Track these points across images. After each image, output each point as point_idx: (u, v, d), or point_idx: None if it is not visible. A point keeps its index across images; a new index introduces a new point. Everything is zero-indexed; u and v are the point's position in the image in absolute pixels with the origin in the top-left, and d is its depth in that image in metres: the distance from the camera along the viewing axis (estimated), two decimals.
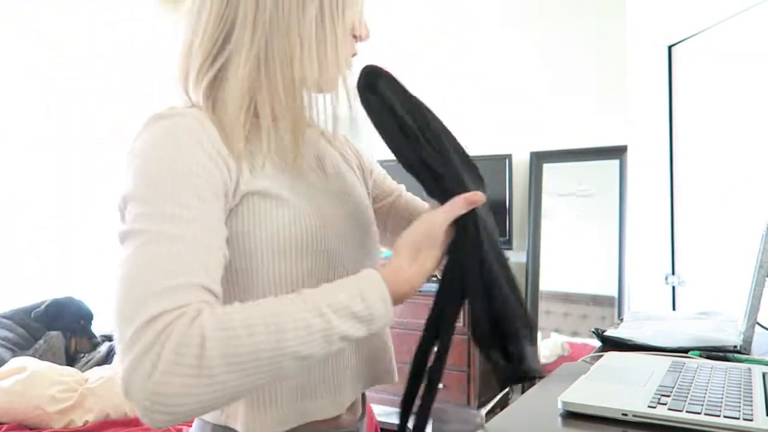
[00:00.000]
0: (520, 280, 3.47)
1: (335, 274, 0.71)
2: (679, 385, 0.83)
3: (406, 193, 0.97)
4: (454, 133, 0.76)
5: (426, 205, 0.90)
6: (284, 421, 0.68)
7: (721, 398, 0.76)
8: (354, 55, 0.74)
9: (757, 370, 0.90)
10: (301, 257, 0.68)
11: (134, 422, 1.89)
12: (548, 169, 3.40)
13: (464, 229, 0.67)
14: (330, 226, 0.71)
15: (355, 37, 0.73)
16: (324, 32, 0.69)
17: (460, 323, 3.17)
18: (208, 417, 0.70)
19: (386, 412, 2.85)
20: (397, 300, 0.64)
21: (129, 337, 0.49)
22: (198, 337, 0.49)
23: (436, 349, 0.69)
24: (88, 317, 2.65)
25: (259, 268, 0.66)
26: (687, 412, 0.72)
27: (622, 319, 1.40)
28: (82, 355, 2.54)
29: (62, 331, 2.53)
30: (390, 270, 0.65)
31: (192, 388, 0.48)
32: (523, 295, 0.87)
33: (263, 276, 0.66)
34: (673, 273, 2.47)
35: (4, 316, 2.51)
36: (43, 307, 2.59)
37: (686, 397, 0.77)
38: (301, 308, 0.56)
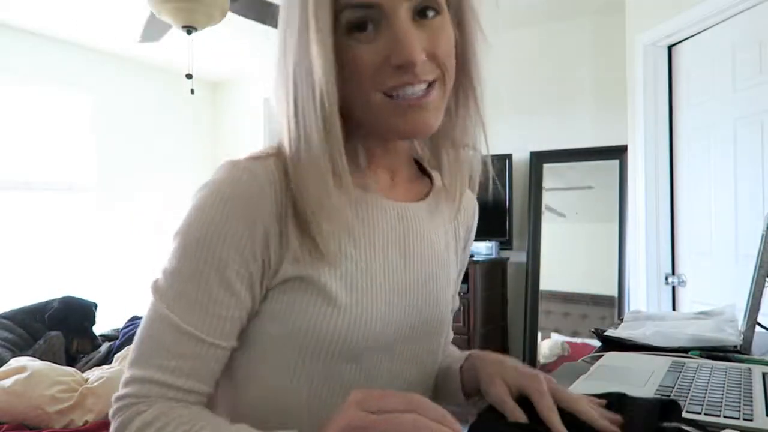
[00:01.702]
0: (520, 280, 3.47)
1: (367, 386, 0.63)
2: (679, 385, 0.83)
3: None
4: None
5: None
6: None
7: (721, 398, 0.76)
8: (406, 84, 0.57)
9: (757, 370, 0.90)
10: (322, 363, 0.60)
11: None
12: (548, 169, 3.40)
13: None
14: (375, 338, 0.62)
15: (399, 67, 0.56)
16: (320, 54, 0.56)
17: (460, 323, 3.15)
18: None
19: None
20: None
21: (115, 394, 0.58)
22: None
23: None
24: (91, 318, 2.66)
25: (272, 355, 0.61)
26: (687, 412, 0.72)
27: (622, 319, 1.40)
28: (82, 355, 2.54)
29: (66, 331, 2.53)
30: None
31: None
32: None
33: (275, 365, 0.61)
34: (673, 273, 2.47)
35: (4, 316, 2.51)
36: (54, 307, 2.59)
37: (686, 397, 0.77)
38: None
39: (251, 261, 0.57)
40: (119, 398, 0.57)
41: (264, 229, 0.57)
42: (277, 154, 0.60)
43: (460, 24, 0.62)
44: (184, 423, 0.54)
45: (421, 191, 0.72)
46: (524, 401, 0.60)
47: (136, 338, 0.59)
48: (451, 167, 0.69)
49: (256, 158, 0.59)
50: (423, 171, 0.75)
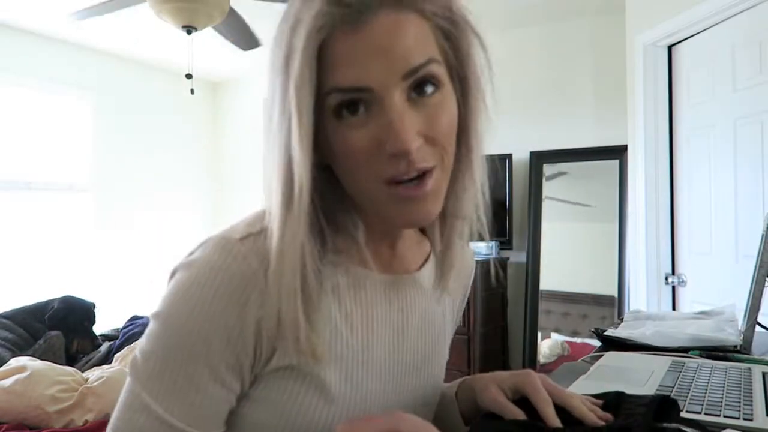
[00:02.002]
0: (520, 280, 3.47)
1: None
2: (679, 384, 0.83)
3: None
4: None
5: None
6: None
7: (721, 398, 0.76)
8: (402, 174, 0.52)
9: (757, 370, 0.90)
10: None
11: None
12: (548, 169, 3.40)
13: None
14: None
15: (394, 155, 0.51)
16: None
17: (460, 323, 3.16)
18: None
19: None
20: None
21: None
22: None
23: None
24: (92, 318, 2.66)
25: None
26: (687, 411, 0.72)
27: (622, 319, 1.40)
28: (82, 355, 2.55)
29: (66, 331, 2.53)
30: None
31: None
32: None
33: None
34: (673, 273, 2.47)
35: (4, 316, 2.51)
36: (54, 307, 2.59)
37: (686, 396, 0.77)
38: None
39: (242, 354, 0.53)
40: None
41: (257, 320, 0.52)
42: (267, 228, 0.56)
43: (464, 95, 0.58)
44: None
45: (421, 257, 0.68)
46: (519, 403, 0.60)
47: (112, 422, 0.54)
48: (443, 242, 0.65)
49: (245, 237, 0.54)
50: (422, 231, 0.71)
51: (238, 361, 0.53)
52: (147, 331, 0.54)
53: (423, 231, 0.71)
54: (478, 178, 0.61)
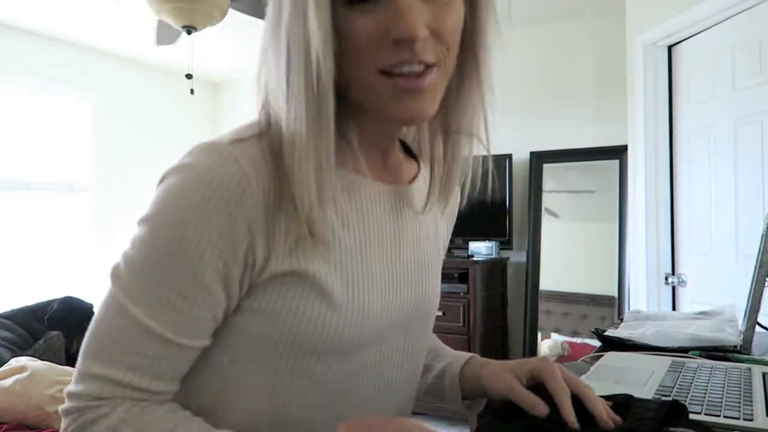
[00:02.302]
0: (520, 280, 3.47)
1: (355, 388, 0.60)
2: (679, 385, 0.83)
3: None
4: None
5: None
6: None
7: (722, 398, 0.76)
8: (403, 62, 0.52)
9: (757, 370, 0.90)
10: (308, 361, 0.56)
11: None
12: (548, 169, 3.40)
13: None
14: (369, 335, 0.59)
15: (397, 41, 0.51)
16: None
17: (460, 323, 3.14)
18: None
19: None
20: None
21: (69, 388, 0.53)
22: None
23: None
24: (92, 318, 2.66)
25: (255, 354, 0.56)
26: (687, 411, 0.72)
27: (622, 319, 1.40)
28: None
29: (67, 331, 2.53)
30: None
31: None
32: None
33: (260, 364, 0.56)
34: (673, 273, 2.47)
35: (5, 316, 2.51)
36: (54, 308, 2.59)
37: (686, 396, 0.77)
38: None
39: (231, 260, 0.52)
40: (75, 396, 0.52)
41: (248, 224, 0.51)
42: (260, 134, 0.55)
43: (474, 4, 0.57)
44: (160, 427, 0.50)
45: (410, 174, 0.68)
46: (531, 390, 0.59)
47: (91, 328, 0.54)
48: (446, 159, 0.64)
49: (236, 141, 0.53)
50: (408, 153, 0.71)
51: (225, 268, 0.52)
52: (132, 237, 0.54)
53: (411, 153, 0.71)
54: (486, 93, 0.61)
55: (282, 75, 0.53)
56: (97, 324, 0.54)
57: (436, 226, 0.71)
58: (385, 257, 0.60)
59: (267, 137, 0.54)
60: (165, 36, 2.64)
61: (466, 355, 0.74)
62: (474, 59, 0.59)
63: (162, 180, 0.54)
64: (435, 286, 0.69)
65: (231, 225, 0.51)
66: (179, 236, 0.51)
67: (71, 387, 0.53)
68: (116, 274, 0.53)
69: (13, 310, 2.56)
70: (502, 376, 0.62)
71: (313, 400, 0.58)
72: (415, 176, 0.68)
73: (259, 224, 0.52)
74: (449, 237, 0.79)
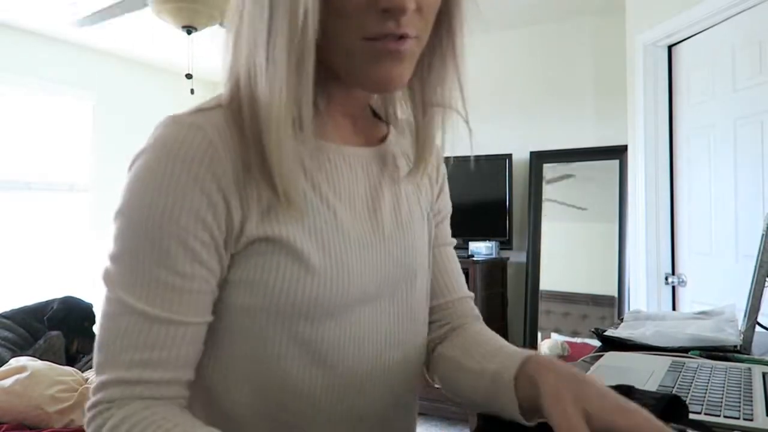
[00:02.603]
0: (520, 280, 3.47)
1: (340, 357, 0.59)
2: (679, 384, 0.83)
3: (452, 250, 0.78)
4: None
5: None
6: None
7: (722, 398, 0.76)
8: (387, 34, 0.52)
9: (757, 370, 0.90)
10: (297, 325, 0.56)
11: None
12: (548, 169, 3.40)
13: None
14: (353, 295, 0.58)
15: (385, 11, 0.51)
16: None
17: None
18: None
19: None
20: None
21: (88, 402, 0.52)
22: None
23: None
24: (92, 318, 2.66)
25: (246, 326, 0.56)
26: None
27: (622, 319, 1.40)
28: (82, 355, 2.55)
29: (67, 331, 2.53)
30: None
31: None
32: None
33: (251, 336, 0.56)
34: (673, 273, 2.48)
35: (5, 316, 2.51)
36: (54, 308, 2.59)
37: (686, 396, 0.77)
38: None
39: (214, 227, 0.52)
40: (91, 407, 0.52)
41: (220, 189, 0.51)
42: (226, 104, 0.54)
43: None
44: (154, 422, 0.49)
45: (380, 135, 0.68)
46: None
47: (96, 341, 0.53)
48: (422, 129, 0.64)
49: (199, 111, 0.53)
50: (376, 116, 0.71)
51: (212, 238, 0.52)
52: (112, 234, 0.53)
53: (379, 117, 0.71)
54: (461, 66, 0.61)
55: (263, 28, 0.51)
56: (100, 335, 0.52)
57: (417, 184, 0.70)
58: (359, 219, 0.60)
59: (231, 108, 0.54)
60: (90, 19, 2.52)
61: (518, 356, 0.58)
62: (449, 30, 0.60)
63: (130, 166, 0.54)
64: (421, 245, 0.68)
65: (206, 193, 0.51)
66: (158, 215, 0.50)
67: (88, 401, 0.52)
68: (106, 276, 0.53)
69: (12, 310, 2.56)
70: (563, 402, 0.47)
71: (311, 370, 0.57)
72: (385, 137, 0.69)
73: (231, 190, 0.52)
74: (438, 191, 0.76)
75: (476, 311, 0.77)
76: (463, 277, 0.77)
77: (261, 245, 0.54)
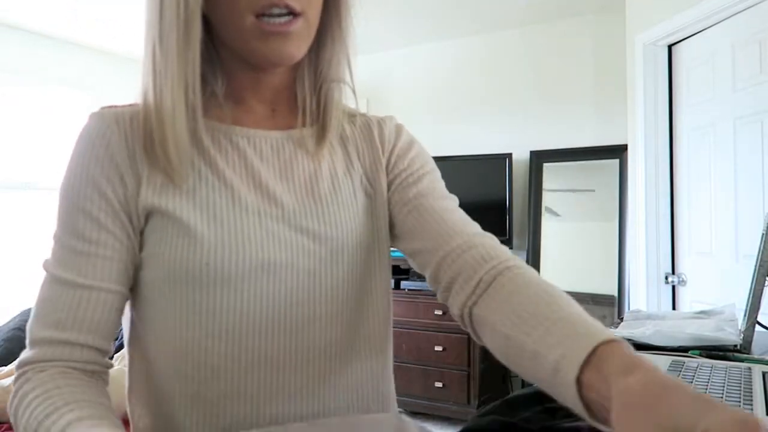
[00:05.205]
0: None
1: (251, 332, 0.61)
2: None
3: (444, 203, 0.70)
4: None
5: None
6: None
7: (722, 398, 0.76)
8: (272, 5, 0.57)
9: (757, 370, 0.90)
10: (199, 293, 0.60)
11: None
12: (548, 168, 3.41)
13: None
14: (249, 263, 0.60)
15: None
16: None
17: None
18: None
19: None
20: None
21: (18, 361, 0.58)
22: (17, 398, 0.56)
23: None
24: None
25: (157, 298, 0.61)
26: None
27: (622, 319, 1.40)
28: None
29: None
30: None
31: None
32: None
33: (162, 308, 0.61)
34: (673, 272, 2.48)
35: (19, 328, 2.50)
36: None
37: None
38: None
39: (113, 198, 0.59)
40: (18, 366, 0.57)
41: (118, 166, 0.60)
42: (136, 105, 0.64)
43: None
44: (67, 395, 0.53)
45: (299, 121, 0.70)
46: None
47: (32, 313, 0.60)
48: (322, 104, 0.70)
49: (110, 106, 0.64)
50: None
51: (113, 208, 0.60)
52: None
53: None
54: (350, 44, 0.69)
55: (156, 7, 0.59)
56: (34, 306, 0.59)
57: (350, 161, 0.71)
58: (261, 193, 0.63)
59: (142, 102, 0.62)
60: None
61: (589, 339, 0.44)
62: (336, 13, 0.66)
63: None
64: (348, 218, 0.67)
65: (105, 169, 0.59)
66: (73, 190, 0.60)
67: (18, 359, 0.58)
68: (46, 259, 0.60)
69: (21, 318, 2.57)
70: (635, 422, 0.35)
71: (215, 342, 0.60)
72: (305, 123, 0.71)
73: (126, 167, 0.60)
74: (392, 159, 0.73)
75: (502, 251, 0.64)
76: (468, 224, 0.68)
77: (156, 221, 0.60)
